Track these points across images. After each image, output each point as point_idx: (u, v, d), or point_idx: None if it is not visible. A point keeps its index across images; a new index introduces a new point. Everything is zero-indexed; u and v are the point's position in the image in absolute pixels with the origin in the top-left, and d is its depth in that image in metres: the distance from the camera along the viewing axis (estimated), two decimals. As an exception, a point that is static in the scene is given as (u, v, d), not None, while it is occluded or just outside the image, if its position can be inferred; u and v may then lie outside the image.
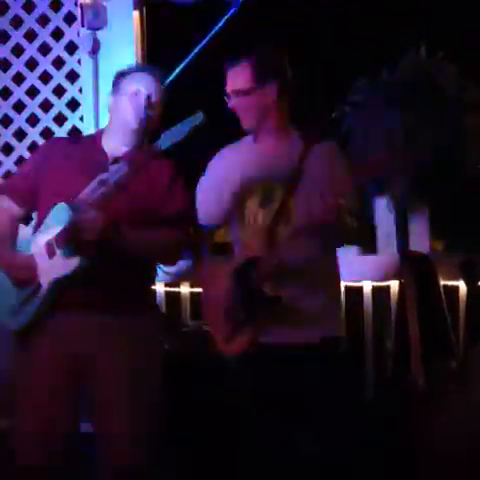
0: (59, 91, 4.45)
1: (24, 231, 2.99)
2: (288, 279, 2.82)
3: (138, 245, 2.73)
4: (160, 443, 2.84)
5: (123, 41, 4.31)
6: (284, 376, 2.86)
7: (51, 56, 4.44)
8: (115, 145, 2.81)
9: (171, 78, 4.13)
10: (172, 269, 3.79)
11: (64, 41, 4.43)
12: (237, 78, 2.90)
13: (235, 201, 2.93)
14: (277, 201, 2.87)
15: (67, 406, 2.77)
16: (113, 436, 2.76)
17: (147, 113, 2.79)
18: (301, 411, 2.86)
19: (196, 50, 4.29)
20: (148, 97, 2.79)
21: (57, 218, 2.71)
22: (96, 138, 2.89)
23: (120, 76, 2.87)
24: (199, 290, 4.10)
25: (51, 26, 4.43)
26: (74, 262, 2.66)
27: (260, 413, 2.89)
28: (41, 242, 2.74)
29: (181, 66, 4.27)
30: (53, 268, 2.70)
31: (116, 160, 2.76)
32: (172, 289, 4.27)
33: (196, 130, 2.61)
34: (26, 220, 3.03)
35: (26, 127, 4.48)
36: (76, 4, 4.36)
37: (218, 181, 2.96)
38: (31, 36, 4.47)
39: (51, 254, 2.71)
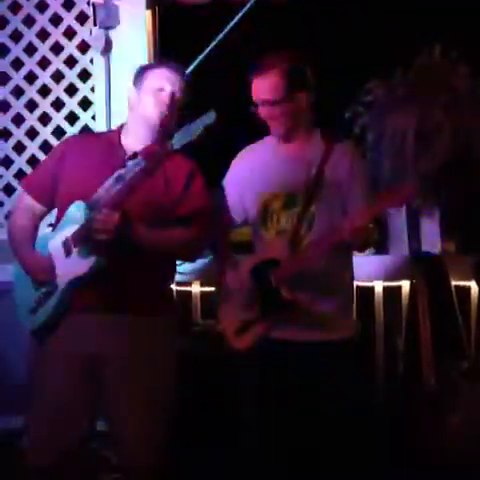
0: (71, 90, 4.47)
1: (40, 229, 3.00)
2: (305, 283, 2.84)
3: (155, 243, 2.71)
4: (172, 443, 2.83)
5: (135, 40, 4.32)
6: (292, 371, 2.88)
7: (63, 55, 4.46)
8: (135, 141, 2.79)
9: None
10: (185, 269, 3.79)
11: (76, 40, 4.45)
12: (267, 87, 2.89)
13: (258, 203, 2.95)
14: (299, 204, 2.89)
15: (83, 405, 2.77)
16: (127, 435, 2.75)
17: (170, 110, 2.76)
18: (309, 406, 2.89)
19: (208, 50, 4.30)
20: (172, 94, 2.76)
21: (74, 216, 2.71)
22: (115, 134, 2.87)
23: (143, 71, 2.84)
24: (210, 289, 4.13)
25: (63, 25, 4.45)
26: (90, 262, 2.65)
27: (268, 408, 2.91)
28: (58, 241, 2.74)
29: (193, 65, 4.27)
30: (69, 268, 2.70)
31: (134, 155, 2.75)
32: (183, 288, 4.26)
33: (209, 129, 2.60)
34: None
35: (38, 126, 4.50)
36: (88, 3, 4.37)
37: (241, 182, 2.99)
38: (44, 35, 4.48)
39: (67, 253, 2.70)
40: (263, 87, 2.89)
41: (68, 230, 2.71)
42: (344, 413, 2.88)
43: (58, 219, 2.81)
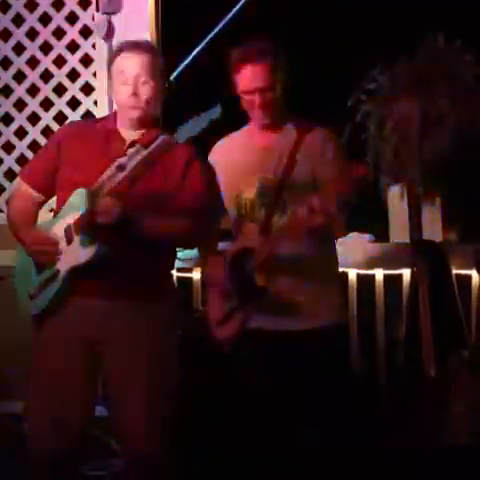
0: (73, 75, 4.47)
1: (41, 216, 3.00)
2: (281, 270, 2.85)
3: (156, 231, 2.72)
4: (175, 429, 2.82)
5: (138, 25, 4.31)
6: (277, 360, 2.89)
7: (65, 40, 4.46)
8: (127, 129, 2.78)
9: (187, 62, 4.14)
10: (186, 255, 3.79)
11: (79, 25, 4.45)
12: (261, 74, 2.87)
13: (234, 192, 2.96)
14: (272, 192, 2.89)
15: (83, 390, 2.77)
16: (128, 421, 2.75)
17: (138, 97, 2.70)
18: (295, 395, 2.89)
19: (212, 34, 4.28)
20: (135, 78, 2.68)
21: (75, 204, 2.71)
22: (111, 122, 2.84)
23: (111, 57, 2.78)
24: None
25: (66, 10, 4.45)
26: (92, 250, 2.66)
27: (253, 395, 2.93)
28: (59, 228, 2.74)
29: (197, 50, 4.25)
30: (71, 255, 2.70)
31: (132, 144, 2.74)
32: (184, 274, 4.27)
33: (214, 124, 2.57)
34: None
35: (40, 111, 4.49)
36: (91, -12, 4.37)
37: (218, 173, 2.96)
38: (46, 20, 4.48)
39: (69, 240, 2.71)
40: (256, 74, 2.86)
41: (69, 217, 2.72)
42: (325, 400, 2.88)
43: (58, 206, 2.81)
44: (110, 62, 2.79)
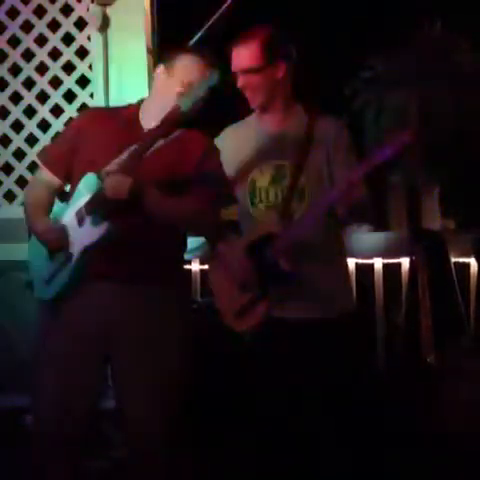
0: (69, 68, 4.44)
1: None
2: (304, 256, 2.83)
3: (168, 211, 2.71)
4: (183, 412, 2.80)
5: (133, 17, 4.29)
6: (298, 350, 2.87)
7: (60, 32, 4.43)
8: (153, 120, 2.76)
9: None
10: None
11: (73, 17, 4.42)
12: (245, 56, 2.87)
13: (245, 180, 2.95)
14: (288, 178, 2.88)
15: (93, 374, 2.76)
16: (133, 405, 2.73)
17: None
18: (316, 387, 2.86)
19: (206, 26, 4.28)
20: None
21: (86, 187, 2.72)
22: (134, 111, 2.85)
23: (177, 56, 2.78)
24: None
25: (60, 2, 4.42)
26: (102, 228, 2.66)
27: (271, 386, 2.90)
28: (72, 212, 2.75)
29: (192, 41, 4.25)
30: (83, 236, 2.70)
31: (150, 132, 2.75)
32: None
33: (214, 90, 2.61)
34: (61, 195, 3.03)
35: (36, 104, 4.48)
36: (85, -20, 4.35)
37: (227, 162, 2.92)
38: (40, 12, 4.45)
39: (80, 222, 2.72)
40: (242, 55, 2.88)
41: (81, 201, 2.73)
42: (346, 388, 2.87)
43: (72, 192, 2.83)
44: (174, 59, 2.81)
